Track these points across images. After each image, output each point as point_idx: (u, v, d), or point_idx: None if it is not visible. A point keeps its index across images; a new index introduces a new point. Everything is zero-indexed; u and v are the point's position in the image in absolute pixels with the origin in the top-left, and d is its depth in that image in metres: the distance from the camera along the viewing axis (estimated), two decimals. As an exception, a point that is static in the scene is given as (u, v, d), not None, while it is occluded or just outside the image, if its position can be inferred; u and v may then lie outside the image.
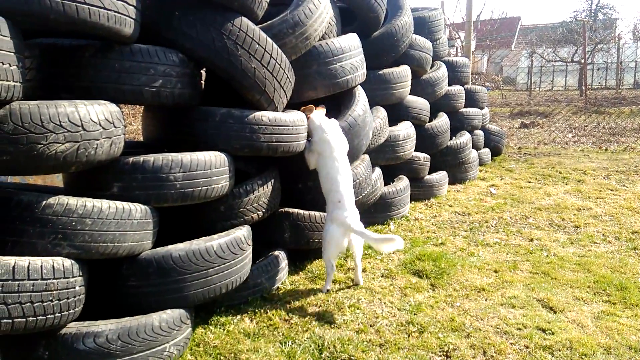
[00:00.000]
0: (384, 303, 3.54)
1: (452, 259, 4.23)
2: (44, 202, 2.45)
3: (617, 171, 7.45)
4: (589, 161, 8.34)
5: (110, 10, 2.49)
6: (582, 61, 20.61)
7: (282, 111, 3.67)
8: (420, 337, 3.08)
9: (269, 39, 3.24)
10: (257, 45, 3.17)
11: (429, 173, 6.22)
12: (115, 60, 2.78)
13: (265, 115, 3.32)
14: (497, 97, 23.32)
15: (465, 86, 7.45)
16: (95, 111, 2.53)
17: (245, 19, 3.14)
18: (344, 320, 3.30)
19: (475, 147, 7.51)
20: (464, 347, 2.97)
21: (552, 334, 3.07)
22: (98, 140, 2.54)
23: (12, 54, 2.22)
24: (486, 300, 3.55)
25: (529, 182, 7.03)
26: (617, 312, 3.34)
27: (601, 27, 34.22)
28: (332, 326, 3.24)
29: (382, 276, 3.99)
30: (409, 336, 3.11)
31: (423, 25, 6.10)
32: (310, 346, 3.00)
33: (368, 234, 3.65)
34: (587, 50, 22.10)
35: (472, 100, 7.45)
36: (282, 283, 3.79)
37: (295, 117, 3.56)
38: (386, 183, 5.41)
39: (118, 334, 2.63)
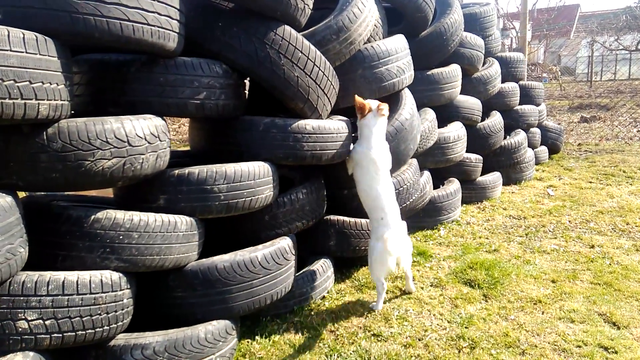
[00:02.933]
0: (433, 315, 3.44)
1: (506, 267, 4.06)
2: (93, 217, 2.50)
3: (687, 169, 6.98)
4: (656, 158, 7.86)
5: (154, 26, 2.50)
6: (648, 49, 19.46)
7: (326, 118, 3.61)
8: (472, 354, 2.96)
9: (312, 47, 3.19)
10: (300, 54, 3.12)
11: (482, 174, 6.01)
12: (159, 74, 2.80)
13: (308, 124, 3.28)
14: (555, 89, 22.45)
15: (520, 82, 7.15)
16: (140, 126, 2.56)
17: (288, 28, 3.10)
18: (391, 333, 3.22)
19: (532, 145, 7.21)
20: (518, 365, 2.84)
21: (616, 352, 2.88)
22: (144, 154, 2.57)
23: (60, 73, 2.26)
24: (543, 313, 3.38)
25: (590, 182, 6.69)
26: (689, 329, 3.10)
27: (670, 11, 32.29)
28: (379, 339, 3.16)
29: (431, 285, 3.87)
30: (459, 352, 2.99)
31: (474, 22, 5.89)
32: (356, 360, 2.95)
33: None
34: (654, 38, 20.90)
35: (527, 96, 7.15)
36: (328, 292, 3.75)
37: (339, 124, 3.49)
38: (436, 186, 5.27)
39: (165, 346, 2.65)
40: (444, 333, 3.19)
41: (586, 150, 8.98)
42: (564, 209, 5.58)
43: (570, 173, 7.22)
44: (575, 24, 38.55)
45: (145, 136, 2.57)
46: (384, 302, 3.58)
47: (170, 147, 2.88)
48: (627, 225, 4.98)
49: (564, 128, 11.39)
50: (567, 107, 15.95)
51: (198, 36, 3.09)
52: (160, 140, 2.69)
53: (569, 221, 5.20)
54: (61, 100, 2.27)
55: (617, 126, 11.38)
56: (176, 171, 2.87)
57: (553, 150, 8.24)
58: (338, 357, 2.99)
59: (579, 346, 2.97)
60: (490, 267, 4.03)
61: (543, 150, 7.80)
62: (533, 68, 29.70)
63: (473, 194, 5.83)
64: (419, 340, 3.13)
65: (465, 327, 3.24)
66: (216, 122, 3.32)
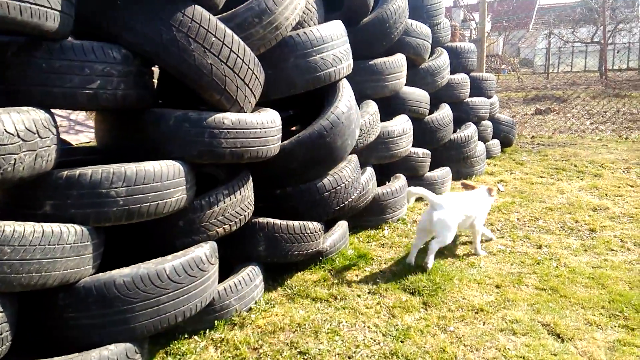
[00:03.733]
0: (368, 327, 3.14)
1: (449, 271, 3.81)
2: (-48, 230, 2.09)
3: (637, 164, 6.91)
4: (607, 152, 7.80)
5: (23, 1, 2.09)
6: (602, 42, 19.77)
7: (252, 112, 3.26)
8: (404, 373, 2.69)
9: (228, 30, 2.82)
10: (214, 38, 2.75)
11: (431, 169, 5.77)
12: (42, 60, 2.39)
13: (227, 118, 2.91)
14: (513, 81, 22.64)
15: (472, 74, 6.94)
16: (11, 120, 2.15)
17: (199, 8, 2.72)
18: (319, 350, 2.91)
19: (483, 139, 7.03)
20: (453, 386, 2.57)
21: (558, 370, 2.66)
22: (16, 154, 2.16)
23: None
24: (484, 324, 3.13)
25: (541, 176, 6.54)
26: (636, 340, 2.89)
27: (623, 5, 33.00)
28: (305, 358, 2.85)
29: (369, 293, 3.58)
30: (390, 371, 2.71)
31: (420, 10, 5.61)
32: (277, 383, 2.63)
33: None
34: (607, 30, 21.26)
35: (478, 88, 6.95)
36: (256, 302, 3.41)
37: (265, 117, 3.15)
38: (382, 182, 5.00)
39: (48, 378, 2.27)
40: (377, 349, 2.91)
41: (539, 143, 8.90)
42: (513, 205, 5.39)
43: (522, 167, 7.07)
44: (534, 16, 39.08)
45: (19, 132, 2.17)
46: (317, 313, 3.28)
47: (58, 143, 2.48)
48: (576, 223, 4.81)
49: (517, 121, 11.37)
50: (523, 99, 16.01)
51: (95, 16, 2.68)
52: (41, 137, 2.29)
53: (518, 219, 5.01)
54: None
55: (570, 118, 11.40)
56: (65, 172, 2.47)
57: (506, 143, 8.10)
58: (257, 380, 2.66)
59: (519, 363, 2.73)
60: (432, 271, 3.77)
61: (495, 143, 7.64)
62: (492, 59, 29.96)
63: (421, 190, 5.57)
64: (349, 358, 2.83)
65: (401, 342, 2.96)
66: (122, 114, 2.92)
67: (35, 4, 2.14)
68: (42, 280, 2.30)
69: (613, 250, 4.18)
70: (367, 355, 2.84)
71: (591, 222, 4.81)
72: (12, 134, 2.14)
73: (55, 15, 2.27)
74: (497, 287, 3.60)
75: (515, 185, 6.19)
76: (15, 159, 2.16)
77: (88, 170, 2.48)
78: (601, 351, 2.80)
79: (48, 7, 2.21)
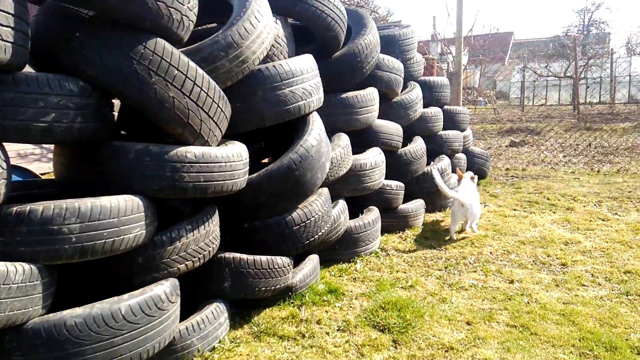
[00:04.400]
0: (335, 367, 3.04)
1: (421, 307, 3.73)
2: None
3: (609, 197, 6.99)
4: (579, 185, 7.88)
5: (-31, 32, 2.03)
6: (574, 76, 20.30)
7: (219, 144, 3.20)
8: (369, 417, 2.58)
9: (191, 64, 2.77)
10: (177, 71, 2.70)
11: (405, 201, 5.75)
12: (-7, 91, 2.31)
13: (190, 151, 2.84)
14: (489, 113, 23.02)
15: (445, 107, 7.00)
16: (-45, 155, 2.06)
17: (161, 41, 2.67)
18: (282, 393, 2.80)
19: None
20: None
21: (526, 413, 2.58)
22: (-42, 190, 2.06)
23: None
24: (454, 363, 3.05)
25: (514, 209, 6.56)
26: (605, 380, 2.84)
27: (594, 41, 34.06)
28: (268, 401, 2.73)
29: (338, 330, 3.49)
30: (356, 415, 2.61)
31: (393, 44, 5.66)
32: None
33: None
34: (579, 65, 21.85)
35: (452, 121, 7.00)
36: (220, 341, 3.28)
37: (231, 151, 3.08)
38: (355, 214, 4.94)
39: None
40: (342, 391, 2.80)
41: (513, 176, 8.97)
42: (486, 239, 5.37)
43: (496, 200, 7.09)
44: (509, 50, 40.09)
45: (-38, 168, 2.07)
46: (284, 352, 3.16)
47: (8, 178, 2.38)
48: (548, 258, 4.79)
49: (491, 153, 11.50)
50: (498, 131, 16.25)
51: (53, 49, 2.62)
52: (-12, 173, 2.20)
53: (490, 252, 4.98)
54: None
55: (544, 151, 11.56)
56: (14, 208, 2.36)
57: (480, 175, 8.10)
58: None
59: (488, 405, 2.65)
60: (403, 307, 3.69)
61: (470, 176, 7.66)
62: (469, 92, 30.56)
63: (395, 222, 5.54)
64: (313, 401, 2.72)
65: (368, 383, 2.86)
66: (81, 147, 2.83)
67: (-17, 36, 2.07)
68: (-16, 323, 2.17)
69: (584, 285, 4.16)
70: (333, 398, 2.73)
71: (563, 256, 4.79)
72: (-44, 169, 2.04)
73: (6, 47, 2.20)
74: (468, 323, 3.53)
75: (489, 217, 6.18)
76: (-43, 195, 2.06)
77: (39, 206, 2.38)
78: (571, 392, 2.74)
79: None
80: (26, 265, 2.34)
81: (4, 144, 2.39)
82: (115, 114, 2.95)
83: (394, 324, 3.50)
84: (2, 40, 2.17)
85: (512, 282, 4.27)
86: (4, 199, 2.35)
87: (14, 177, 4.56)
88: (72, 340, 2.41)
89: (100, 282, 2.83)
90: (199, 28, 4.06)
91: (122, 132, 3.38)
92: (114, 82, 2.60)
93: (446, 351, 3.19)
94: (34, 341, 2.36)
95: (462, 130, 7.26)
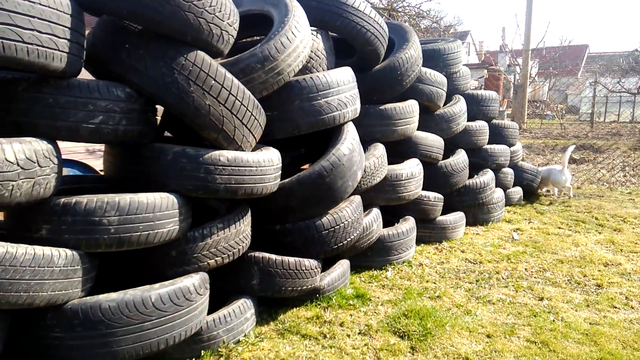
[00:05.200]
0: (350, 368, 3.17)
1: (443, 317, 3.79)
2: (-51, 246, 2.28)
3: (662, 220, 6.72)
4: (633, 206, 7.59)
5: (31, 44, 2.32)
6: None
7: (253, 150, 3.41)
8: (375, 417, 2.70)
9: (228, 74, 2.99)
10: (213, 81, 2.93)
11: (445, 213, 5.78)
12: (49, 95, 2.61)
13: (223, 155, 3.06)
14: (555, 127, 22.29)
15: (494, 121, 6.95)
16: (13, 150, 2.35)
17: (201, 53, 2.91)
18: (297, 387, 2.96)
19: (503, 186, 6.98)
20: None
21: None
22: (14, 181, 2.35)
23: None
24: (466, 373, 3.11)
25: (559, 227, 6.43)
26: (618, 402, 2.82)
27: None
28: (282, 393, 2.90)
29: (359, 333, 3.61)
30: (362, 414, 2.73)
31: (437, 58, 5.72)
32: (248, 417, 2.68)
33: None
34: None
35: (500, 135, 6.95)
36: (245, 335, 3.48)
37: (263, 156, 3.29)
38: (390, 224, 5.04)
39: (26, 394, 2.41)
40: (353, 391, 2.93)
41: (565, 194, 8.73)
42: (523, 255, 5.32)
43: (542, 217, 6.97)
44: (583, 63, 38.55)
45: (18, 161, 2.36)
46: (303, 350, 3.32)
47: (59, 172, 2.67)
48: (584, 278, 4.71)
49: (538, 168, 11.19)
50: (561, 147, 15.75)
51: (104, 57, 2.91)
52: (40, 166, 2.48)
53: (525, 269, 4.94)
54: None
55: (602, 169, 11.15)
56: (62, 200, 2.65)
57: (529, 191, 8.00)
58: (230, 412, 2.72)
59: (493, 416, 2.70)
60: (425, 315, 3.77)
61: (517, 191, 7.56)
62: (537, 105, 29.67)
63: (432, 233, 5.59)
64: (324, 397, 2.86)
65: (379, 385, 2.97)
66: (126, 148, 3.12)
67: (42, 46, 2.36)
68: (29, 300, 2.45)
69: (615, 307, 4.08)
70: (343, 397, 2.87)
71: (600, 277, 4.70)
72: (12, 162, 2.33)
73: (62, 57, 2.49)
74: (488, 336, 3.57)
75: (531, 234, 6.11)
76: (12, 185, 2.35)
77: (83, 199, 2.66)
78: (580, 412, 2.74)
79: (55, 49, 2.43)
80: (69, 251, 2.62)
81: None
82: (158, 118, 3.21)
83: (414, 331, 3.58)
84: (59, 50, 2.46)
85: (541, 299, 4.24)
86: (54, 191, 2.64)
87: (76, 172, 4.98)
88: (105, 322, 2.67)
89: (135, 272, 3.08)
90: (246, 40, 4.30)
91: (168, 134, 3.64)
92: (156, 89, 2.85)
93: (462, 362, 3.25)
94: (71, 320, 2.64)
95: (511, 144, 7.18)
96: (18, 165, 2.36)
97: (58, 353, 2.65)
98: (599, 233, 6.16)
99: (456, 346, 3.43)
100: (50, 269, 2.51)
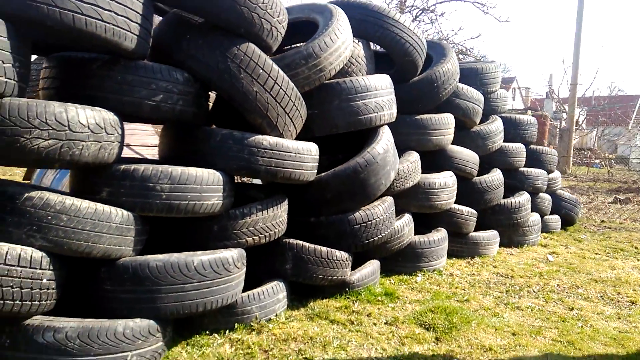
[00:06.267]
0: (375, 348, 3.31)
1: (469, 315, 3.89)
2: (26, 195, 2.60)
3: None
4: (676, 240, 7.44)
5: (108, 23, 2.68)
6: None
7: (293, 139, 3.68)
8: (395, 386, 2.83)
9: (274, 66, 3.31)
10: (261, 70, 3.25)
11: (480, 230, 5.87)
12: (118, 73, 2.97)
13: (265, 139, 3.35)
14: (603, 174, 21.81)
15: (532, 146, 7.05)
16: (85, 115, 2.69)
17: (252, 45, 3.24)
18: (323, 358, 3.12)
19: (540, 211, 6.99)
20: (438, 402, 2.68)
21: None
22: (84, 142, 2.69)
23: (8, 53, 2.44)
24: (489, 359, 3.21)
25: (596, 253, 6.39)
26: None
27: None
28: (308, 363, 3.07)
29: (385, 323, 3.75)
30: (383, 383, 2.86)
31: (475, 77, 5.92)
32: (275, 378, 2.86)
33: None
34: None
35: (538, 160, 7.02)
36: (276, 315, 3.68)
37: (300, 145, 3.56)
38: (422, 234, 5.18)
39: (78, 333, 2.66)
40: (377, 366, 3.06)
41: (606, 227, 8.62)
42: (557, 273, 5.34)
43: (579, 244, 6.93)
44: (634, 113, 37.74)
45: (89, 125, 2.70)
46: (330, 331, 3.49)
47: (121, 142, 3.00)
48: (617, 295, 4.70)
49: (591, 207, 11.06)
50: (606, 189, 15.46)
51: (168, 47, 3.28)
52: (107, 133, 2.82)
53: (558, 285, 4.96)
54: (6, 77, 2.43)
55: (646, 209, 10.90)
56: (122, 166, 2.97)
57: (568, 221, 7.95)
58: (260, 373, 2.91)
59: (510, 393, 2.79)
60: (452, 312, 3.87)
61: (555, 218, 7.55)
62: (585, 153, 29.13)
63: (465, 248, 5.67)
64: (348, 369, 3.01)
65: (402, 363, 3.10)
66: (179, 130, 3.45)
67: (117, 26, 2.73)
68: (88, 250, 2.74)
69: (648, 321, 4.07)
70: (366, 369, 3.01)
71: (634, 295, 4.68)
72: (84, 125, 2.67)
73: (132, 38, 2.85)
74: (514, 334, 3.64)
75: (567, 257, 6.09)
76: (83, 145, 2.68)
77: (141, 167, 2.97)
78: (598, 396, 2.80)
79: (127, 30, 2.80)
80: (125, 212, 2.91)
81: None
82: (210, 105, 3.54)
83: (440, 324, 3.70)
84: (131, 32, 2.82)
85: (571, 309, 4.26)
86: (116, 158, 2.97)
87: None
88: (151, 279, 2.93)
89: (181, 243, 3.35)
90: (293, 46, 4.65)
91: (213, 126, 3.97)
92: (211, 75, 3.19)
93: (485, 351, 3.34)
94: (122, 275, 2.91)
95: (549, 171, 7.22)
96: (89, 128, 2.70)
97: (108, 304, 2.92)
98: (638, 260, 6.09)
99: (480, 339, 3.52)
100: (108, 224, 2.80)
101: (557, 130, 25.66)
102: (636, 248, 6.73)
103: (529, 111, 22.11)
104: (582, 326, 3.86)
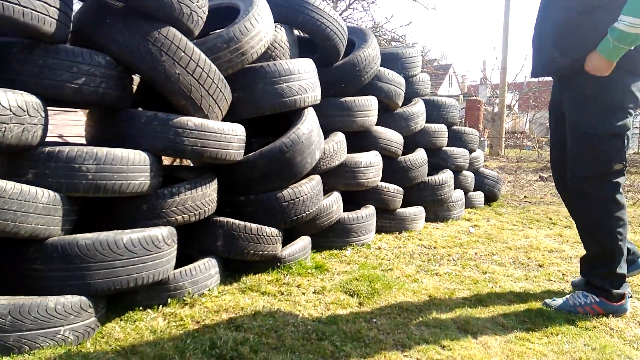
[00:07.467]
0: (302, 314, 3.53)
1: (391, 282, 4.18)
2: (-52, 177, 2.65)
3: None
4: (586, 210, 8.08)
5: (26, 7, 2.75)
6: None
7: (219, 121, 3.83)
8: (317, 344, 3.06)
9: (196, 49, 3.45)
10: (183, 53, 3.38)
11: (406, 207, 6.21)
12: (39, 57, 3.03)
13: (191, 120, 3.49)
14: (533, 155, 22.98)
15: (454, 127, 7.47)
16: (7, 97, 2.75)
17: (172, 29, 3.36)
18: (252, 325, 3.31)
19: (464, 188, 7.44)
20: (356, 355, 2.94)
21: (450, 350, 3.00)
22: (7, 124, 2.75)
23: None
24: (404, 318, 3.50)
25: (514, 225, 6.89)
26: (532, 338, 3.22)
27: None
28: (238, 329, 3.25)
29: (314, 292, 3.98)
30: (307, 342, 3.09)
31: (396, 61, 6.24)
32: (205, 344, 3.02)
33: None
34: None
35: (460, 141, 7.45)
36: (209, 290, 3.84)
37: (225, 126, 3.72)
38: (352, 210, 5.45)
39: (9, 310, 2.73)
40: (302, 328, 3.28)
41: (527, 202, 9.24)
42: (476, 243, 5.76)
43: (500, 217, 7.44)
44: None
45: (11, 107, 2.76)
46: (259, 303, 3.69)
47: (45, 125, 3.07)
48: (528, 260, 5.14)
49: (515, 184, 11.77)
50: (533, 169, 16.38)
51: (89, 31, 3.35)
52: (30, 116, 2.88)
53: (475, 253, 5.36)
54: None
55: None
56: (47, 148, 3.04)
57: (491, 197, 8.47)
58: (190, 341, 3.06)
59: (419, 344, 3.08)
60: (374, 279, 4.15)
61: (478, 195, 8.04)
62: (518, 136, 30.47)
63: (392, 223, 6.00)
64: (275, 332, 3.22)
65: (326, 325, 3.34)
66: (105, 113, 3.53)
67: (35, 11, 2.80)
68: (15, 229, 2.80)
69: (551, 280, 4.50)
70: (291, 331, 3.22)
71: (542, 259, 5.13)
72: (6, 107, 2.74)
73: (51, 22, 2.92)
74: (429, 296, 3.96)
75: (487, 229, 6.55)
76: (5, 127, 2.74)
77: (65, 148, 3.05)
78: (496, 342, 3.14)
79: (46, 15, 2.87)
80: (51, 192, 2.99)
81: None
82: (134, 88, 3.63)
83: (364, 291, 3.97)
84: (49, 16, 2.89)
85: (485, 273, 4.65)
86: (40, 140, 3.04)
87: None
88: (81, 257, 3.02)
89: (112, 223, 3.45)
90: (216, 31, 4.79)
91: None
92: (132, 58, 3.29)
93: (402, 311, 3.63)
94: (51, 254, 2.99)
95: (471, 150, 7.67)
96: (10, 111, 2.76)
97: (39, 284, 2.99)
98: (550, 229, 6.63)
99: (399, 302, 3.81)
100: (35, 204, 2.88)
101: (491, 114, 26.80)
102: (550, 219, 7.30)
103: (461, 96, 23.01)
104: (492, 287, 4.24)
